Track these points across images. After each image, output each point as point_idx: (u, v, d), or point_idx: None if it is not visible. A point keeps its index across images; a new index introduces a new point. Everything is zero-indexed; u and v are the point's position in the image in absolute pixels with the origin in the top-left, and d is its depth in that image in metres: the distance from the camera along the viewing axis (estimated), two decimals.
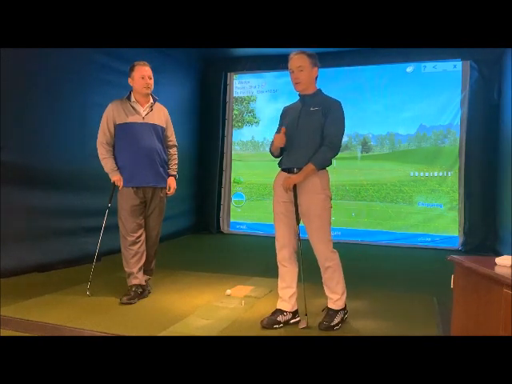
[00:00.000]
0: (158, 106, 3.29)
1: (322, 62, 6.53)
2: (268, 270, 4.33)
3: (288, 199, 2.70)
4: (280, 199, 2.74)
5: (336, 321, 2.66)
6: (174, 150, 3.41)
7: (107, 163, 3.16)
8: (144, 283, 3.24)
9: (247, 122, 7.02)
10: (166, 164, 3.31)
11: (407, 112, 6.12)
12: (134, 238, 3.15)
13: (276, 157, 2.88)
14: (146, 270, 3.31)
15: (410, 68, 6.11)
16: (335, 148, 2.60)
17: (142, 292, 3.19)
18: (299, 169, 2.61)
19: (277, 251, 2.79)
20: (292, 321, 2.74)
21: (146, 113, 3.18)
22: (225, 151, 7.06)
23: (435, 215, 6.00)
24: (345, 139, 4.76)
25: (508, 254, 2.03)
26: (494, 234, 5.52)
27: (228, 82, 7.03)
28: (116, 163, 3.17)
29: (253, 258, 5.21)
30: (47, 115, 4.05)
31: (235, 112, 7.06)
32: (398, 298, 3.41)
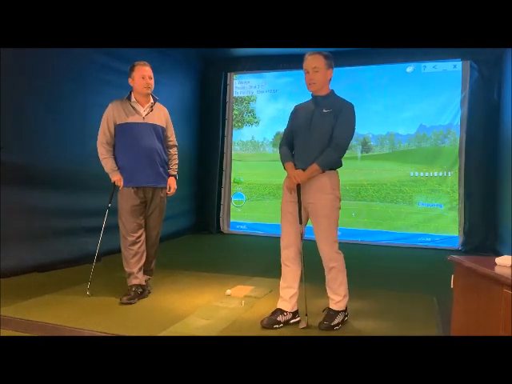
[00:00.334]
0: (159, 106, 3.29)
1: None
2: (268, 270, 4.34)
3: (296, 199, 2.67)
4: (289, 199, 2.71)
5: (336, 321, 2.66)
6: (174, 150, 3.41)
7: (107, 163, 3.16)
8: (144, 283, 3.24)
9: (247, 122, 7.03)
10: (166, 164, 3.31)
11: (407, 112, 6.12)
12: (134, 238, 3.15)
13: None
14: (146, 270, 3.31)
15: (410, 68, 6.11)
16: (341, 150, 2.60)
17: (142, 292, 3.19)
18: None
19: (281, 250, 2.76)
20: (292, 321, 2.74)
21: (146, 113, 3.18)
22: (225, 151, 7.06)
23: (435, 215, 6.00)
24: None
25: (508, 254, 2.03)
26: (494, 234, 5.52)
27: (228, 82, 7.03)
28: (116, 163, 3.17)
29: (253, 258, 5.21)
30: (47, 115, 4.05)
31: (235, 112, 7.06)
32: (398, 298, 3.41)
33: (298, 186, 2.63)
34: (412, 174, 6.12)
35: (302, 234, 2.68)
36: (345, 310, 2.73)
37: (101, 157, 3.16)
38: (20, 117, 3.79)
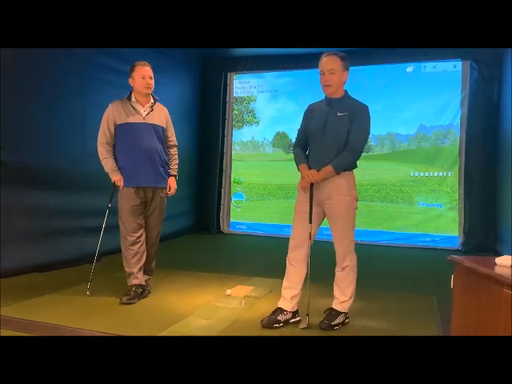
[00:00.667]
0: (159, 106, 3.29)
1: None
2: (268, 270, 4.34)
3: (318, 201, 2.69)
4: (303, 199, 2.72)
5: (337, 321, 2.67)
6: (174, 150, 3.41)
7: (107, 163, 3.16)
8: (144, 283, 3.24)
9: (247, 122, 7.03)
10: (166, 164, 3.30)
11: (407, 112, 6.12)
12: (134, 238, 3.15)
13: None
14: (146, 269, 3.31)
15: (410, 68, 6.11)
16: (357, 153, 2.61)
17: (142, 292, 3.20)
18: None
19: (289, 250, 2.75)
20: (292, 320, 2.74)
21: (146, 113, 3.18)
22: (225, 151, 7.06)
23: (435, 215, 6.00)
24: None
25: (508, 254, 2.03)
26: (494, 234, 5.52)
27: (228, 82, 7.03)
28: (116, 163, 3.17)
29: (253, 258, 5.22)
30: (47, 115, 4.05)
31: (235, 112, 7.06)
32: (398, 298, 3.41)
33: (312, 186, 2.65)
34: (412, 173, 6.12)
35: (311, 234, 2.68)
36: (346, 313, 2.73)
37: (101, 157, 3.16)
38: (20, 117, 3.79)
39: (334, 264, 2.75)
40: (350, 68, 2.64)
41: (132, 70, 3.14)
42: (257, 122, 6.97)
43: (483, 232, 5.65)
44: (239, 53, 6.53)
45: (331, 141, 2.60)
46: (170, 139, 3.37)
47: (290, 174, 6.65)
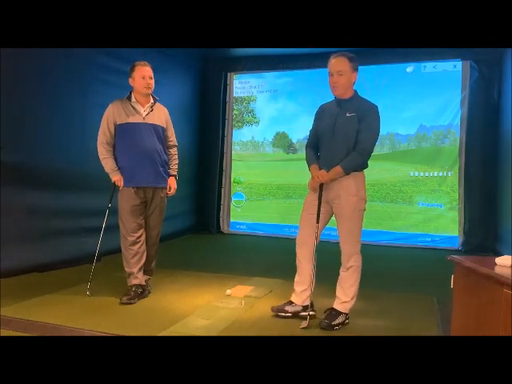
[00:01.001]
0: (159, 107, 3.29)
1: (322, 62, 6.48)
2: (268, 270, 4.34)
3: (327, 200, 2.73)
4: (313, 198, 2.76)
5: (337, 321, 2.67)
6: (174, 150, 3.41)
7: (107, 163, 3.16)
8: (144, 283, 3.24)
9: (247, 122, 7.03)
10: (166, 164, 3.30)
11: (407, 112, 6.12)
12: (134, 238, 3.15)
13: None
14: (146, 269, 3.31)
15: (410, 68, 6.11)
16: (366, 154, 2.64)
17: (142, 292, 3.19)
18: None
19: (296, 246, 2.83)
20: (302, 313, 2.78)
21: (146, 113, 3.18)
22: (225, 151, 7.06)
23: (435, 215, 6.00)
24: None
25: (508, 254, 2.04)
26: (494, 234, 5.52)
27: (228, 82, 7.03)
28: (116, 163, 3.17)
29: (253, 258, 5.21)
30: (47, 115, 4.05)
31: (235, 112, 7.06)
32: (397, 298, 3.41)
33: (321, 186, 2.68)
34: (412, 174, 6.12)
35: (317, 234, 2.72)
36: (347, 314, 2.73)
37: (101, 157, 3.16)
38: (20, 117, 3.79)
39: (338, 264, 2.76)
40: None
41: (132, 70, 3.14)
42: (257, 122, 6.97)
43: (483, 232, 5.64)
44: (239, 53, 6.53)
45: (340, 141, 2.62)
46: (170, 139, 3.37)
47: (290, 174, 6.67)
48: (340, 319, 2.68)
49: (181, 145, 3.62)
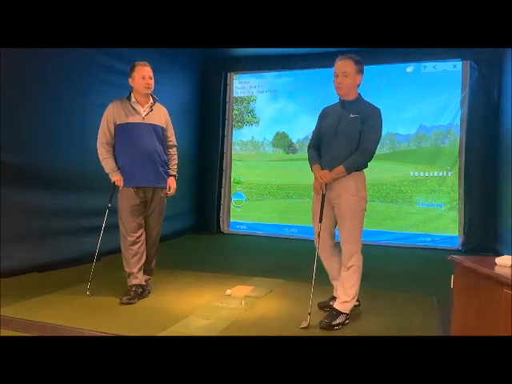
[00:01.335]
0: (158, 107, 3.29)
1: (322, 62, 6.49)
2: (268, 270, 4.34)
3: (328, 200, 2.76)
4: (318, 201, 2.80)
5: (337, 321, 2.67)
6: (173, 150, 3.41)
7: (107, 163, 3.16)
8: (144, 283, 3.24)
9: (247, 122, 7.03)
10: (166, 164, 3.30)
11: (407, 112, 6.12)
12: (134, 238, 3.15)
13: None
14: (146, 269, 3.31)
15: (410, 68, 6.11)
16: (369, 154, 2.68)
17: (142, 292, 3.20)
18: None
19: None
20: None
21: (146, 113, 3.18)
22: (225, 151, 7.06)
23: (435, 215, 6.00)
24: None
25: (508, 254, 2.04)
26: (494, 234, 5.51)
27: (228, 82, 7.03)
28: (116, 163, 3.17)
29: (253, 258, 5.21)
30: (48, 115, 4.05)
31: (235, 112, 7.06)
32: (397, 298, 3.41)
33: (325, 186, 2.72)
34: (412, 174, 6.12)
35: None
36: (347, 314, 2.74)
37: (101, 157, 3.16)
38: (20, 117, 3.79)
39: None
40: None
41: (132, 70, 3.14)
42: (257, 122, 6.97)
43: (483, 232, 5.64)
44: (239, 53, 6.53)
45: (343, 141, 2.66)
46: (170, 139, 3.37)
47: (290, 174, 6.67)
48: (340, 319, 2.68)
49: (181, 145, 3.62)
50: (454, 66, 5.92)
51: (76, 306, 2.97)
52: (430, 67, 6.02)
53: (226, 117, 7.03)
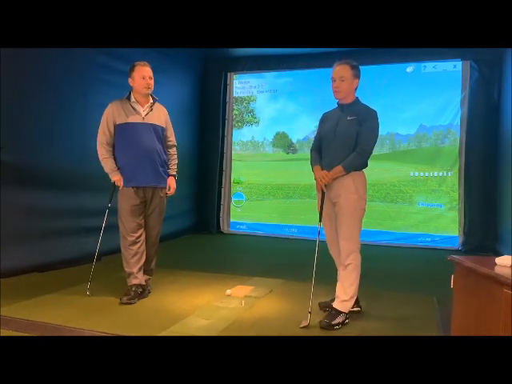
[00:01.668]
0: (158, 106, 3.29)
1: (322, 62, 6.49)
2: (268, 270, 4.34)
3: (329, 199, 2.83)
4: (325, 202, 2.88)
5: (337, 321, 2.68)
6: (173, 150, 3.41)
7: (107, 163, 3.16)
8: (144, 283, 3.24)
9: (247, 122, 7.03)
10: (165, 164, 3.31)
11: (407, 112, 6.12)
12: (133, 238, 3.15)
13: None
14: (146, 269, 3.31)
15: (410, 68, 6.11)
16: (366, 154, 2.75)
17: (142, 292, 3.19)
18: None
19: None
20: (354, 309, 2.90)
21: (145, 113, 3.18)
22: (225, 151, 7.06)
23: (435, 215, 6.00)
24: None
25: (508, 254, 2.04)
26: (494, 234, 5.52)
27: (228, 82, 7.03)
28: (116, 163, 3.17)
29: (253, 258, 5.22)
30: (48, 115, 4.05)
31: (235, 112, 7.06)
32: (397, 298, 3.41)
33: (326, 186, 2.79)
34: (412, 174, 6.12)
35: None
36: (347, 313, 2.75)
37: (101, 157, 3.16)
38: (20, 117, 3.79)
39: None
40: None
41: (132, 70, 3.14)
42: (257, 122, 6.97)
43: (483, 232, 5.64)
44: (239, 53, 6.53)
45: (341, 143, 2.75)
46: (170, 139, 3.37)
47: (290, 174, 6.67)
48: (340, 319, 2.69)
49: (181, 145, 3.62)
50: (454, 66, 5.92)
51: (76, 306, 2.97)
52: (430, 67, 6.02)
53: (226, 117, 7.03)
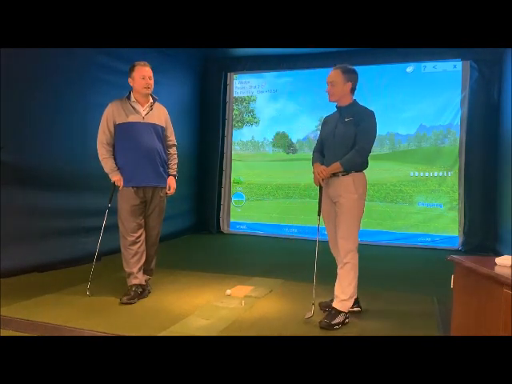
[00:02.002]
0: (158, 106, 3.29)
1: (322, 62, 6.50)
2: (268, 270, 4.34)
3: (330, 199, 2.87)
4: (324, 199, 2.95)
5: (337, 321, 2.68)
6: (173, 150, 3.41)
7: (107, 163, 3.16)
8: (144, 283, 3.24)
9: (247, 122, 7.03)
10: (165, 164, 3.31)
11: (407, 112, 6.12)
12: (133, 238, 3.15)
13: None
14: (146, 269, 3.31)
15: (410, 68, 6.11)
16: (363, 152, 2.79)
17: (142, 292, 3.19)
18: (333, 174, 2.82)
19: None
20: (354, 309, 2.93)
21: (145, 112, 3.18)
22: (225, 151, 7.06)
23: (435, 215, 6.00)
24: None
25: (508, 254, 2.04)
26: (494, 234, 5.51)
27: (228, 82, 7.03)
28: (116, 163, 3.17)
29: (253, 258, 5.21)
30: (48, 115, 4.05)
31: (235, 112, 7.06)
32: (398, 298, 3.41)
33: (323, 181, 2.87)
34: (412, 174, 6.12)
35: (318, 226, 2.93)
36: (346, 313, 2.75)
37: (101, 157, 3.16)
38: (20, 117, 3.79)
39: None
40: None
41: (132, 69, 3.14)
42: (257, 122, 6.97)
43: (483, 232, 5.64)
44: (239, 53, 6.53)
45: (340, 144, 2.81)
46: (170, 139, 3.37)
47: (290, 174, 6.67)
48: (339, 318, 2.70)
49: (181, 145, 3.62)
50: (454, 66, 5.92)
51: (76, 306, 2.97)
52: (430, 67, 6.02)
53: (226, 117, 7.03)
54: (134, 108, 3.16)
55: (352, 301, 2.78)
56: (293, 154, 6.73)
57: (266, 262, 4.87)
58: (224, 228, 6.99)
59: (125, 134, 3.13)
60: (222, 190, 7.03)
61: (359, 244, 2.82)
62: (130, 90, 3.19)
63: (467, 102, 5.78)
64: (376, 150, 6.26)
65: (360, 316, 2.94)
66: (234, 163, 7.07)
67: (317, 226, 2.94)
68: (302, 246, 5.75)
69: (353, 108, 2.84)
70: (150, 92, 3.19)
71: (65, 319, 2.69)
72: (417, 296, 3.49)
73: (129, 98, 3.18)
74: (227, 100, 7.04)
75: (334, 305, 2.75)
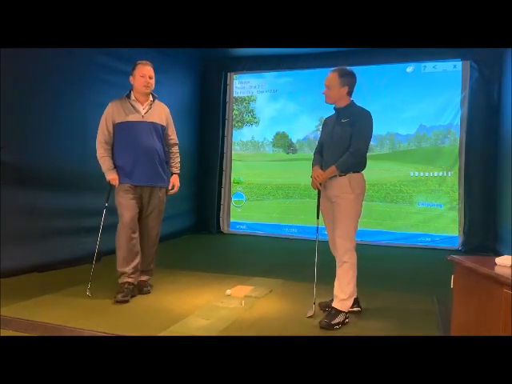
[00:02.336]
0: (159, 104, 3.28)
1: (322, 62, 6.51)
2: (268, 270, 4.34)
3: (329, 199, 2.90)
4: (322, 200, 2.99)
5: (337, 321, 2.69)
6: (175, 149, 3.41)
7: (104, 162, 3.16)
8: (136, 282, 3.22)
9: (247, 122, 7.03)
10: (165, 163, 3.30)
11: (407, 112, 6.12)
12: (129, 233, 3.12)
13: None
14: (146, 269, 3.31)
15: (410, 68, 6.11)
16: (358, 153, 2.80)
17: (133, 289, 3.17)
18: None
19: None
20: (354, 309, 2.94)
21: (145, 111, 3.18)
22: (225, 151, 7.06)
23: (435, 215, 6.00)
24: None
25: (508, 254, 2.04)
26: (494, 234, 5.51)
27: (228, 82, 7.03)
28: (115, 162, 3.17)
29: (253, 258, 5.21)
30: (48, 115, 4.05)
31: (235, 112, 7.06)
32: (397, 298, 3.41)
33: (322, 185, 2.90)
34: (412, 174, 6.12)
35: (318, 228, 2.98)
36: (346, 313, 2.76)
37: (99, 156, 3.16)
38: (20, 117, 3.79)
39: None
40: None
41: (134, 68, 3.16)
42: (257, 122, 6.97)
43: (483, 232, 5.64)
44: (239, 53, 6.53)
45: (337, 145, 2.84)
46: (171, 137, 3.37)
47: (290, 174, 6.67)
48: (339, 318, 2.70)
49: (181, 145, 3.62)
50: (454, 66, 5.92)
51: (76, 306, 2.97)
52: (430, 67, 6.02)
53: (226, 117, 7.03)
54: (133, 107, 3.15)
55: (352, 300, 2.78)
56: (293, 154, 6.73)
57: (266, 262, 4.87)
58: (224, 228, 6.99)
59: (124, 133, 3.13)
60: (222, 190, 7.03)
61: (359, 244, 2.84)
62: (130, 88, 3.20)
63: (467, 102, 5.78)
64: (376, 149, 6.27)
65: (360, 316, 2.94)
66: (234, 163, 7.07)
67: (316, 227, 2.96)
68: (301, 246, 5.74)
69: (350, 109, 2.86)
70: (149, 91, 3.19)
71: (65, 319, 2.69)
72: (417, 296, 3.49)
73: (129, 96, 3.18)
74: (227, 100, 7.03)
75: (334, 304, 2.75)
